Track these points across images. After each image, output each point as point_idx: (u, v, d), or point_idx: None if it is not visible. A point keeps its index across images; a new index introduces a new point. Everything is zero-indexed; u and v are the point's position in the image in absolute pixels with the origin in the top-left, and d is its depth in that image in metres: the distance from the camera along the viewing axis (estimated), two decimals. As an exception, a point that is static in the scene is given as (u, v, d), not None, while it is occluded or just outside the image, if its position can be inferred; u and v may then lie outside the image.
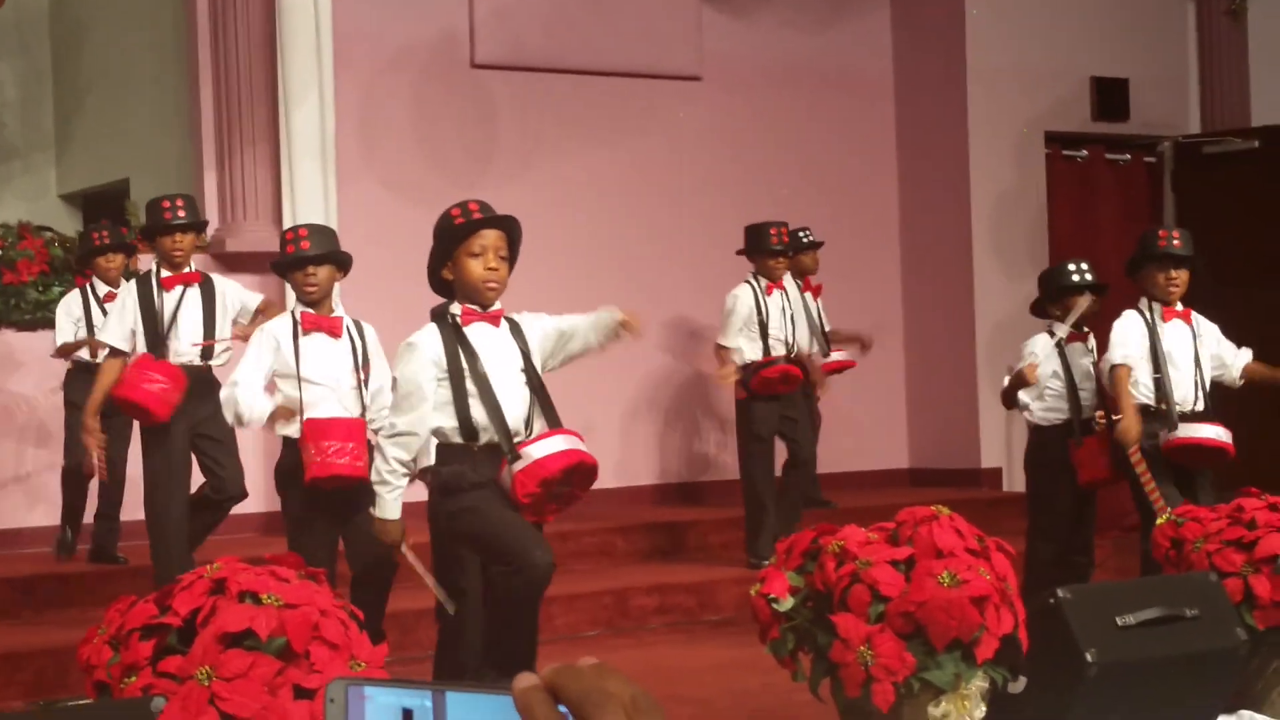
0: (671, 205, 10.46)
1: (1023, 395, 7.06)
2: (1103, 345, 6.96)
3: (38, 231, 9.18)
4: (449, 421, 4.91)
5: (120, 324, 6.91)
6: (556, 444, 4.87)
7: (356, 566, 5.90)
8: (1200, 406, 6.79)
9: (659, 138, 10.46)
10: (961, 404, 10.92)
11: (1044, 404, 7.08)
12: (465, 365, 4.91)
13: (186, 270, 7.01)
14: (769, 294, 8.51)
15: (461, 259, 4.92)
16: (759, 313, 8.45)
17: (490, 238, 4.92)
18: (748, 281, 8.56)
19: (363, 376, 6.03)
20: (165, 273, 6.98)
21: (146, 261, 7.48)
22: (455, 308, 4.99)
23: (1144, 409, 6.75)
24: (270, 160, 9.04)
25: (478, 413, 4.90)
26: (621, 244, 10.16)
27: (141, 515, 7.04)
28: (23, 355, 8.78)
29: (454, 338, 4.95)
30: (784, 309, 8.55)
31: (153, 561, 6.87)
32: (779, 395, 8.46)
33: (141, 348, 6.86)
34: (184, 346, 6.91)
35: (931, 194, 11.14)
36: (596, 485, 5.12)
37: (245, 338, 6.71)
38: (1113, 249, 10.13)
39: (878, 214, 11.27)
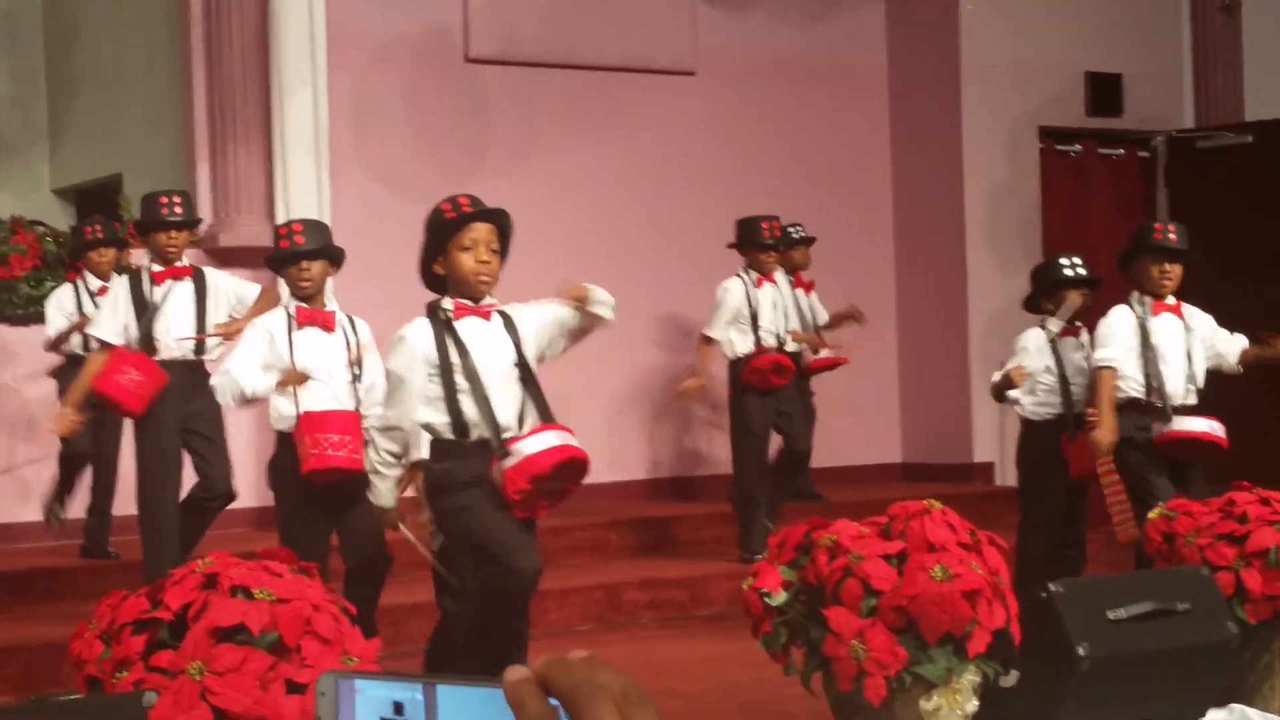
0: (665, 199, 10.47)
1: (1013, 390, 7.07)
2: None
3: (30, 226, 9.17)
4: (440, 417, 4.90)
5: (112, 318, 6.90)
6: (547, 439, 4.85)
7: (351, 562, 5.90)
8: (1191, 400, 6.78)
9: (653, 132, 10.46)
10: (954, 398, 10.93)
11: (1036, 399, 7.09)
12: (456, 360, 4.90)
13: (179, 265, 7.01)
14: (759, 287, 8.52)
15: (453, 253, 4.91)
16: (750, 305, 8.45)
17: (481, 231, 4.91)
18: (739, 275, 8.57)
19: (357, 371, 6.03)
20: (157, 267, 6.97)
21: (138, 256, 7.47)
22: (447, 302, 4.99)
23: (1133, 402, 6.75)
24: (263, 155, 9.03)
25: (469, 408, 4.89)
26: (614, 238, 10.16)
27: (133, 510, 7.03)
28: (15, 350, 8.77)
29: (445, 332, 4.94)
30: (775, 302, 8.56)
31: (144, 555, 6.86)
32: (773, 389, 8.46)
33: (135, 342, 6.85)
34: (174, 341, 6.89)
35: (925, 188, 11.15)
36: (588, 480, 5.11)
37: (229, 336, 6.70)
38: (1106, 243, 10.13)
39: (871, 208, 11.28)
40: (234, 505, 7.24)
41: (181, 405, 6.80)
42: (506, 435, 4.88)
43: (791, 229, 9.46)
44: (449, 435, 4.91)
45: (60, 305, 8.10)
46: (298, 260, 6.01)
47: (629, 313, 8.93)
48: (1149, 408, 6.73)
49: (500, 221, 4.98)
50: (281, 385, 5.91)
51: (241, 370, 5.93)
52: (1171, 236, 6.80)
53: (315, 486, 5.85)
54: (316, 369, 5.96)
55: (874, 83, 11.33)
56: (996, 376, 7.12)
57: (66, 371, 7.98)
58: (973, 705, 3.87)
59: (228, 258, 8.77)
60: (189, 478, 6.96)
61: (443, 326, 4.95)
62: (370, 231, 8.92)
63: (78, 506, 8.26)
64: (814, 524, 4.02)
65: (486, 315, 4.99)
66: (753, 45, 10.83)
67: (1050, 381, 7.05)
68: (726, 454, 8.97)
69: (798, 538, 3.99)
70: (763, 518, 8.38)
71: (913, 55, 11.23)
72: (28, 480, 8.76)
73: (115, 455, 7.98)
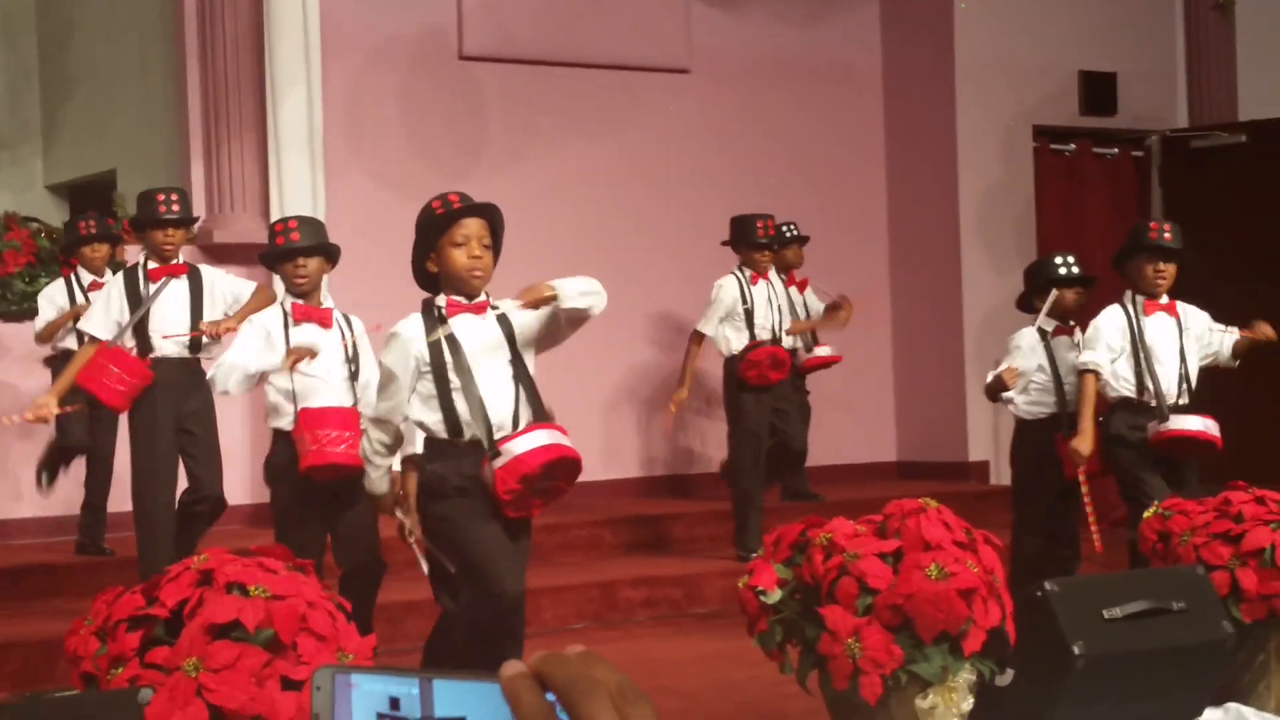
0: (660, 197, 10.47)
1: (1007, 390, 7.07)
2: (1090, 339, 6.95)
3: (24, 222, 9.16)
4: (434, 416, 4.86)
5: (104, 314, 6.88)
6: (538, 439, 4.83)
7: (346, 564, 5.88)
8: (1185, 400, 6.78)
9: (647, 130, 10.46)
10: (949, 397, 10.94)
11: (1029, 398, 7.09)
12: (449, 358, 4.87)
13: (174, 262, 6.99)
14: (754, 284, 8.52)
15: (445, 249, 4.89)
16: (745, 303, 8.46)
17: (473, 226, 4.89)
18: (733, 273, 8.57)
19: (354, 368, 6.03)
20: (152, 264, 6.95)
21: (132, 253, 7.45)
22: (441, 300, 4.97)
23: (1126, 401, 6.75)
24: (257, 152, 9.02)
25: (461, 407, 4.84)
26: (609, 236, 10.16)
27: (128, 507, 7.02)
28: (9, 345, 8.76)
29: (437, 329, 4.92)
30: (770, 299, 8.56)
31: (139, 552, 6.85)
32: (770, 385, 8.46)
33: (128, 339, 6.84)
34: (161, 338, 6.86)
35: (920, 187, 11.16)
36: (583, 478, 5.10)
37: (218, 335, 6.67)
38: (1100, 242, 10.14)
39: (866, 207, 11.29)
40: (230, 502, 7.22)
41: (177, 403, 6.78)
42: (499, 434, 4.86)
43: (785, 228, 9.46)
44: (442, 434, 4.88)
45: (52, 299, 8.09)
46: (294, 257, 6.00)
47: (625, 311, 8.96)
48: (1142, 407, 6.73)
49: (491, 216, 4.95)
50: (293, 360, 5.87)
51: (243, 358, 5.90)
52: (1166, 236, 6.79)
53: (311, 487, 5.84)
54: (314, 366, 5.95)
55: (868, 81, 11.34)
56: (990, 376, 7.12)
57: (59, 364, 7.97)
58: (968, 703, 3.88)
59: (222, 255, 8.76)
60: (185, 477, 6.94)
61: (436, 323, 4.93)
62: (365, 230, 8.92)
63: (73, 503, 8.25)
64: (809, 522, 4.02)
65: (480, 311, 4.96)
66: (747, 44, 10.84)
67: (1044, 380, 7.04)
68: (722, 452, 8.96)
69: (793, 536, 3.99)
70: (758, 515, 8.38)
71: (907, 54, 11.23)
72: (22, 477, 8.74)
73: (111, 452, 7.98)
